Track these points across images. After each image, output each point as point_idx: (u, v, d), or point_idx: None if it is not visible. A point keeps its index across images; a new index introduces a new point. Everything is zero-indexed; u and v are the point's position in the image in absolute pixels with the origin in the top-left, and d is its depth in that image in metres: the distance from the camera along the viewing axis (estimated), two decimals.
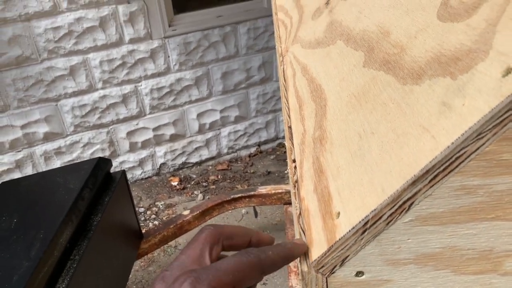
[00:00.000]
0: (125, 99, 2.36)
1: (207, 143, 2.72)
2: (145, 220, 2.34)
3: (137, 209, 2.39)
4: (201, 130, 2.66)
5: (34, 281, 0.83)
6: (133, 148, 2.53)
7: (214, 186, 2.58)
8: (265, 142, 2.90)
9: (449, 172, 0.24)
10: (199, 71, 2.47)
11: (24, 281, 0.81)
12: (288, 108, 0.50)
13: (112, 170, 1.30)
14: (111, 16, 2.13)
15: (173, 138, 2.61)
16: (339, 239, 0.27)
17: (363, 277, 0.29)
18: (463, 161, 0.23)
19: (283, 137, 2.90)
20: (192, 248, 0.31)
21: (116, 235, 1.25)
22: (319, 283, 0.30)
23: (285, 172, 2.60)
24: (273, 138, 2.91)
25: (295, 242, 0.32)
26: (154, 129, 2.52)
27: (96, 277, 1.05)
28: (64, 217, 0.98)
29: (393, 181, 0.25)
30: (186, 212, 1.61)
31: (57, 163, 2.37)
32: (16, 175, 2.28)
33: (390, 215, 0.26)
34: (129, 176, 2.61)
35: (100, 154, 2.45)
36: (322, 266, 0.29)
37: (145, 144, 2.55)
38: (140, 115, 2.45)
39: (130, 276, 1.50)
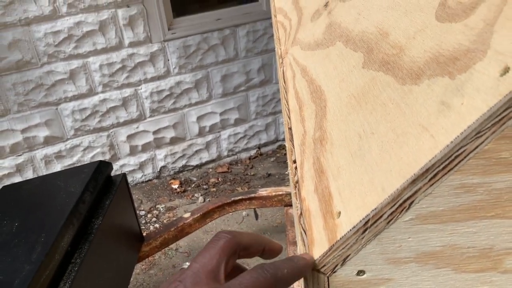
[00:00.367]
0: (125, 102, 2.36)
1: (207, 146, 2.72)
2: (146, 223, 2.34)
3: (137, 212, 2.39)
4: (201, 133, 2.66)
5: (36, 284, 0.83)
6: (133, 151, 2.53)
7: (214, 189, 2.58)
8: (265, 144, 2.90)
9: (448, 171, 0.24)
10: (199, 74, 2.47)
11: (25, 285, 0.81)
12: (288, 110, 0.50)
13: (112, 173, 1.30)
14: (111, 20, 2.13)
15: (173, 141, 2.61)
16: (340, 239, 0.28)
17: (364, 276, 0.29)
18: (462, 160, 0.24)
19: (283, 139, 2.91)
20: (208, 258, 0.29)
21: (117, 238, 1.25)
22: (321, 282, 0.30)
23: (286, 173, 2.61)
24: (273, 140, 2.91)
25: (306, 259, 0.30)
26: (154, 132, 2.53)
27: (97, 281, 1.05)
28: (65, 221, 0.98)
29: (393, 180, 0.25)
30: (186, 215, 1.61)
31: (57, 167, 2.37)
32: (17, 179, 2.28)
33: (391, 214, 0.26)
34: (129, 179, 2.61)
35: (100, 158, 2.45)
36: (324, 266, 0.29)
37: (145, 147, 2.55)
38: (140, 118, 2.45)
39: (131, 279, 1.50)
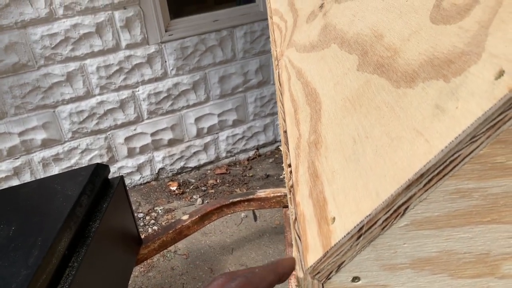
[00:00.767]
0: (122, 104, 2.36)
1: (206, 147, 2.71)
2: (144, 225, 2.33)
3: (136, 214, 2.38)
4: (199, 135, 2.65)
5: None
6: (131, 153, 2.53)
7: (213, 190, 2.58)
8: (264, 145, 2.90)
9: (443, 176, 0.24)
10: (196, 76, 2.47)
11: None
12: (284, 113, 0.50)
13: (110, 175, 1.30)
14: (108, 22, 2.13)
15: (171, 142, 2.60)
16: (335, 245, 0.27)
17: (360, 282, 0.29)
18: (457, 165, 0.23)
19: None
20: None
21: (115, 241, 1.24)
22: None
23: (283, 176, 2.60)
24: (272, 141, 2.91)
25: (283, 257, 0.32)
26: (152, 134, 2.52)
27: (95, 284, 1.05)
28: (62, 224, 0.98)
29: (387, 186, 0.25)
30: (185, 217, 1.61)
31: (55, 170, 2.36)
32: (14, 182, 2.28)
33: (385, 220, 0.26)
34: (127, 181, 2.60)
35: (98, 160, 2.44)
36: (318, 272, 0.29)
37: (143, 149, 2.55)
38: (138, 120, 2.45)
39: (130, 282, 1.49)
